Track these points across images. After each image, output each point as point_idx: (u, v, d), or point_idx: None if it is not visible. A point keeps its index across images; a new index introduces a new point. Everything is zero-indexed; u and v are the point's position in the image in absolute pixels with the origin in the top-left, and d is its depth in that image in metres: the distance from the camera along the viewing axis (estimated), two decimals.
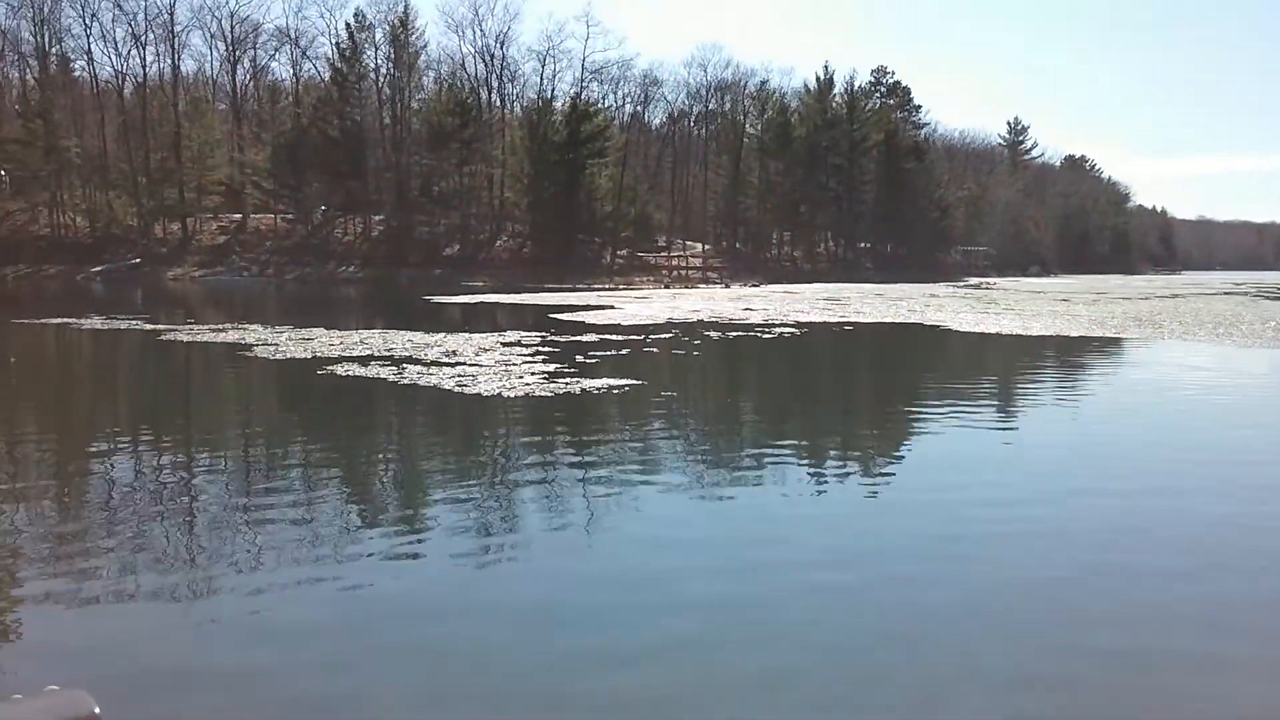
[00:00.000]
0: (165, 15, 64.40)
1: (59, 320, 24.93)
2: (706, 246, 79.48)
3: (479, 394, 12.38)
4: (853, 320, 28.46)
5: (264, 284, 55.63)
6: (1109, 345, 21.93)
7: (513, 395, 12.28)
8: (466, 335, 20.78)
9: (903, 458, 9.81)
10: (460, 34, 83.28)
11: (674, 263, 73.07)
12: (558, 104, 71.37)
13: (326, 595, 5.35)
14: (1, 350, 18.94)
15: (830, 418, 12.88)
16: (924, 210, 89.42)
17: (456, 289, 48.62)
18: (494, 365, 15.27)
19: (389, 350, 17.43)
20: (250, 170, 64.32)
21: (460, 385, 13.04)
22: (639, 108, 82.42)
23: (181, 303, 39.40)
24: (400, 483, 8.53)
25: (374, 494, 8.08)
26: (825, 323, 27.32)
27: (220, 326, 22.65)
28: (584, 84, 72.38)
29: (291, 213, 65.06)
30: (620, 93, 79.31)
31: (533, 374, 14.22)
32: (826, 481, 8.50)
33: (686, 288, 58.07)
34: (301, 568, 5.79)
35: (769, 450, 9.94)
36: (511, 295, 42.75)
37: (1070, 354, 20.22)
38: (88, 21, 63.01)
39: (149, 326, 23.21)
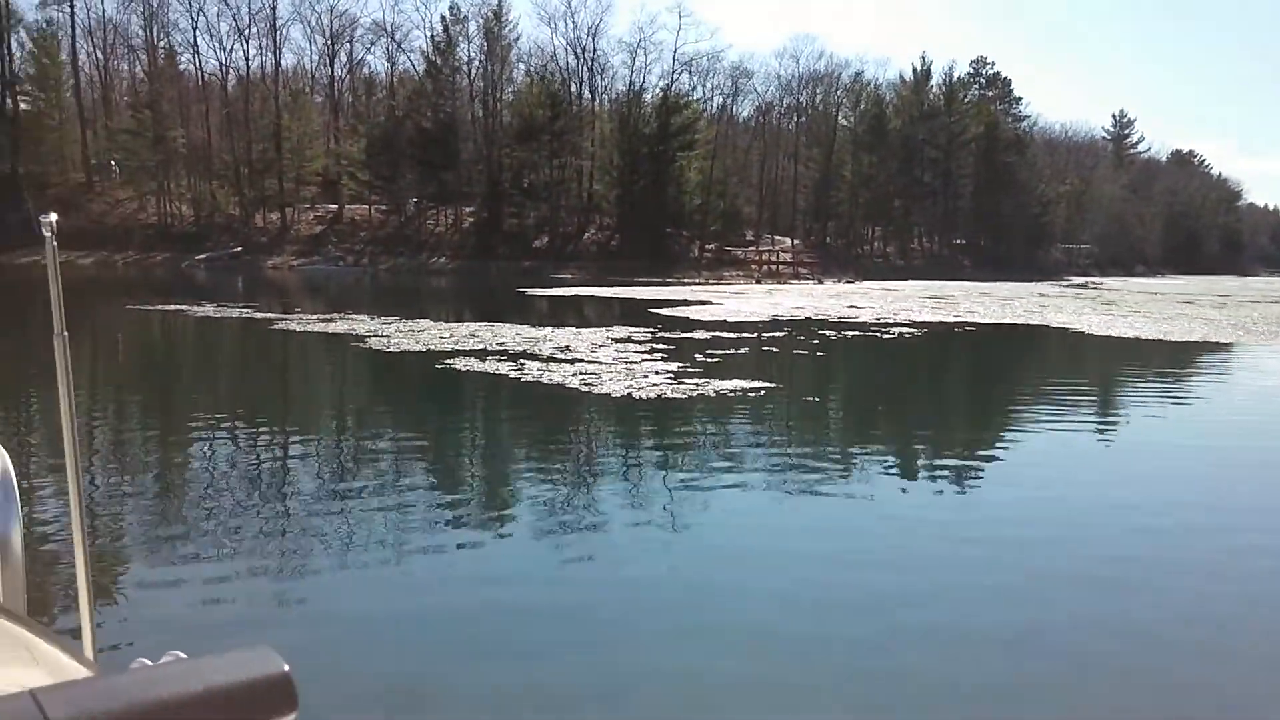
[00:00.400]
0: (268, 9, 65.73)
1: (171, 307, 25.20)
2: (795, 241, 78.00)
3: (608, 394, 11.75)
4: (970, 321, 27.12)
5: (358, 273, 56.28)
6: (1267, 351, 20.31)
7: (643, 396, 11.61)
8: (574, 330, 20.24)
9: (1093, 473, 8.81)
10: (552, 26, 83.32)
11: (763, 257, 71.85)
12: (647, 96, 70.79)
13: (455, 596, 5.01)
14: (120, 335, 19.07)
15: (1013, 430, 11.87)
16: (1024, 206, 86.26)
17: (546, 281, 48.43)
18: (613, 363, 14.63)
19: (500, 344, 16.96)
20: (346, 161, 65.22)
21: (586, 384, 12.43)
22: (728, 99, 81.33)
23: (281, 290, 39.97)
24: (565, 487, 7.90)
25: (520, 494, 7.47)
26: (943, 323, 26.07)
27: (328, 316, 22.57)
28: (674, 76, 71.63)
29: (385, 203, 65.81)
30: (709, 84, 78.33)
31: (656, 373, 13.55)
32: (1028, 503, 7.58)
33: (778, 283, 56.90)
34: (436, 558, 5.61)
35: (948, 462, 9.05)
36: (603, 288, 42.27)
37: (1237, 359, 18.75)
38: (194, 16, 64.66)
39: (259, 315, 23.25)
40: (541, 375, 13.17)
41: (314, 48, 73.28)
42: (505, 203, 66.24)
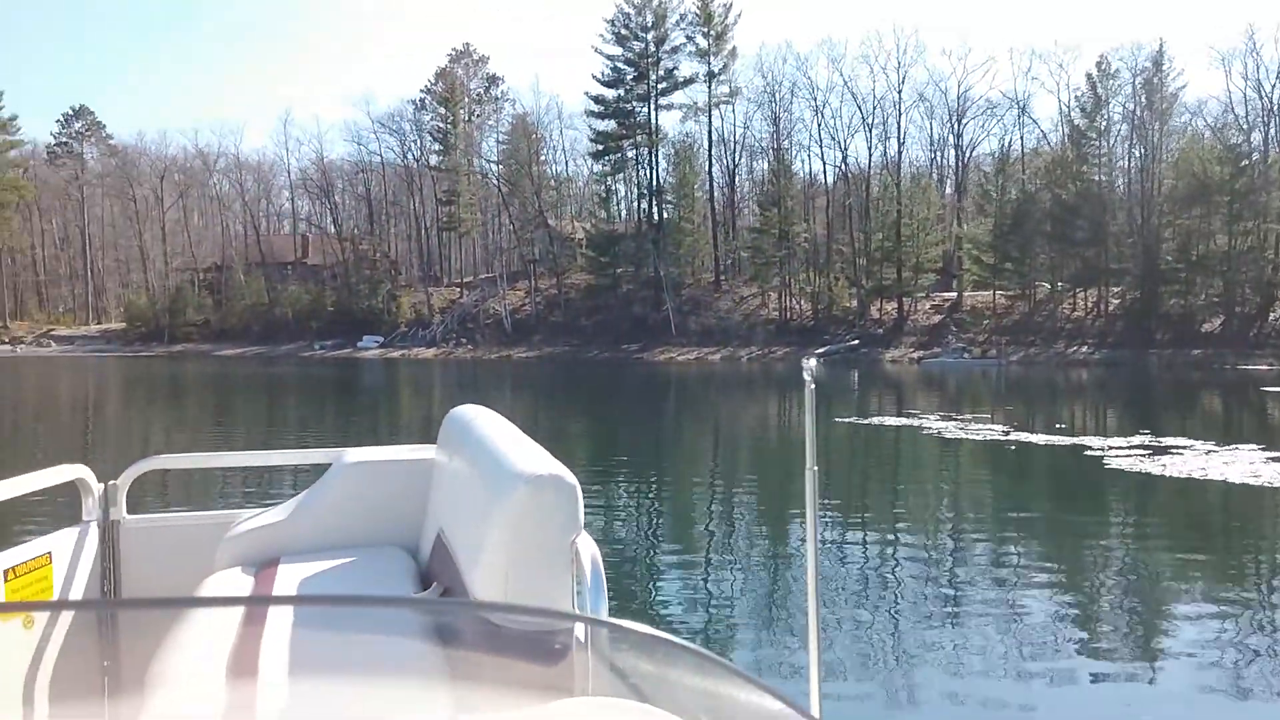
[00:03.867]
0: (893, 95, 63.33)
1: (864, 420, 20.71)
2: None
3: None
4: None
5: (986, 366, 49.33)
6: None
7: None
8: None
9: None
10: (1226, 68, 68.93)
11: None
12: None
13: None
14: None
15: None
16: None
17: (1225, 373, 36.81)
18: None
19: None
20: (970, 244, 59.24)
21: None
22: None
23: (899, 387, 35.15)
24: None
25: None
26: None
27: (1057, 428, 16.04)
28: None
29: (1011, 288, 58.17)
30: None
31: None
32: None
33: None
34: None
35: None
36: None
37: None
38: (819, 111, 64.72)
39: (952, 422, 17.52)
40: None
41: (935, 127, 68.90)
42: (1165, 280, 54.22)
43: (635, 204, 67.20)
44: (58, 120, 78.39)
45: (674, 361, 53.95)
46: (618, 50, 64.35)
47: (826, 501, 10.74)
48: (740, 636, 6.44)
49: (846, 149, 66.18)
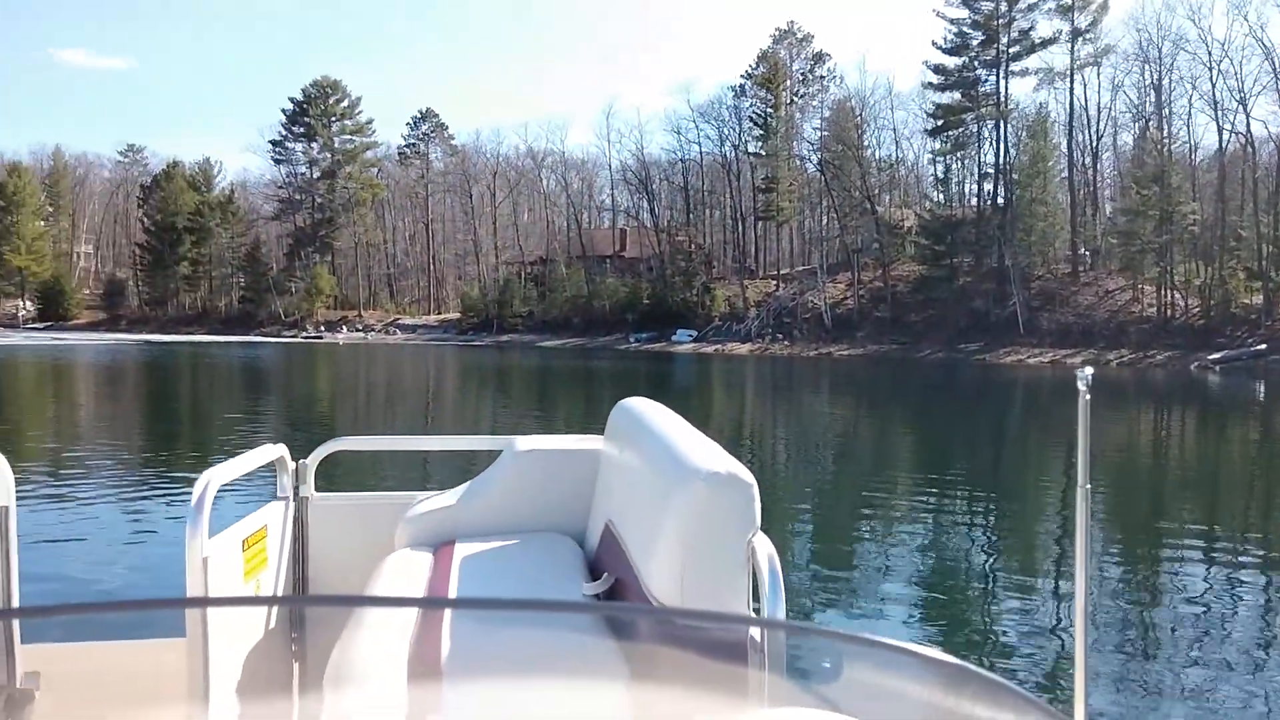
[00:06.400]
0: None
1: None
2: None
3: None
4: None
5: None
6: None
7: None
8: None
9: None
10: None
11: None
12: None
13: None
14: None
15: None
16: None
17: None
18: None
19: None
20: None
21: None
22: None
23: None
24: None
25: None
26: None
27: None
28: None
29: None
30: None
31: None
32: None
33: None
34: None
35: None
36: None
37: None
38: (1213, 69, 53.49)
39: None
40: None
41: None
42: None
43: (976, 185, 59.81)
44: (407, 123, 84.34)
45: (1023, 364, 46.69)
46: (963, 13, 57.55)
47: (1200, 529, 10.07)
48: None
49: (1250, 112, 54.17)
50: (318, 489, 3.05)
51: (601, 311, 65.35)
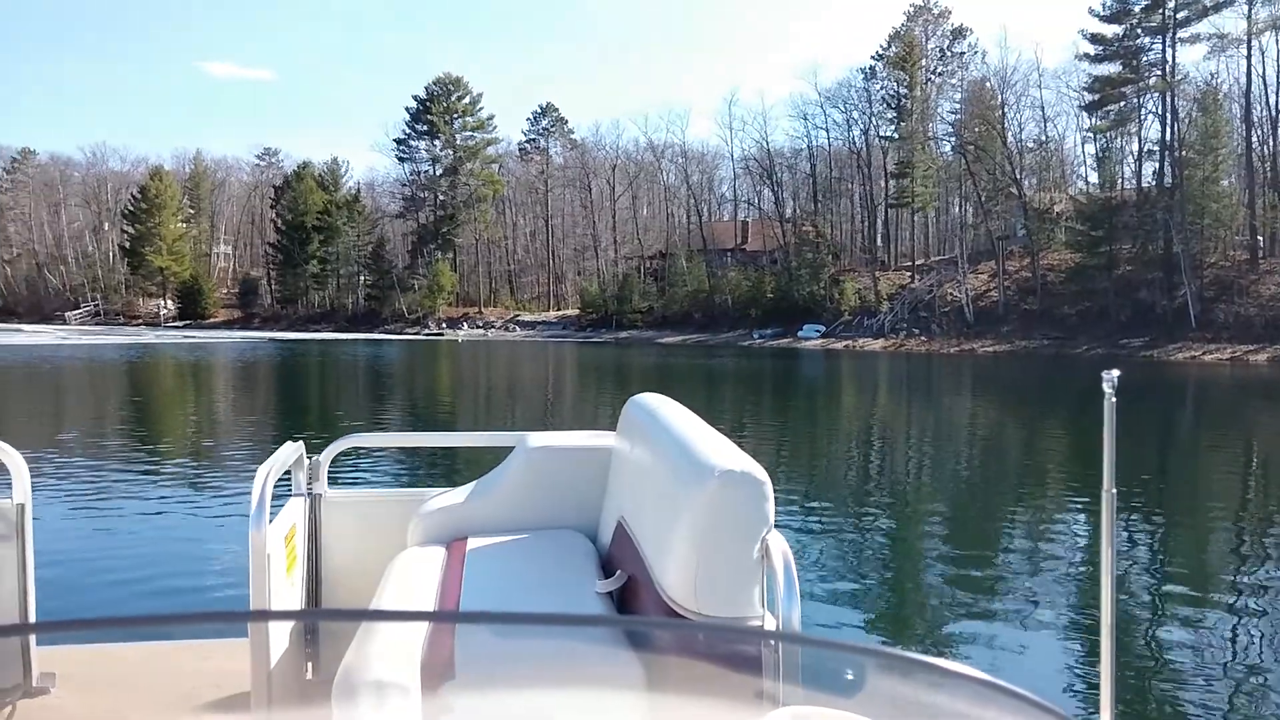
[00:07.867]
0: None
1: None
2: None
3: None
4: None
5: None
6: None
7: None
8: None
9: None
10: None
11: None
12: None
13: None
14: None
15: None
16: None
17: None
18: None
19: None
20: None
21: None
22: None
23: None
24: None
25: None
26: None
27: None
28: None
29: None
30: None
31: None
32: None
33: None
34: None
35: None
36: None
37: None
38: None
39: None
40: None
41: None
42: None
43: (1137, 165, 54.34)
44: (527, 118, 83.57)
45: (1196, 361, 41.66)
46: None
47: None
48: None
49: None
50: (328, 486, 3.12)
51: (723, 306, 62.79)
